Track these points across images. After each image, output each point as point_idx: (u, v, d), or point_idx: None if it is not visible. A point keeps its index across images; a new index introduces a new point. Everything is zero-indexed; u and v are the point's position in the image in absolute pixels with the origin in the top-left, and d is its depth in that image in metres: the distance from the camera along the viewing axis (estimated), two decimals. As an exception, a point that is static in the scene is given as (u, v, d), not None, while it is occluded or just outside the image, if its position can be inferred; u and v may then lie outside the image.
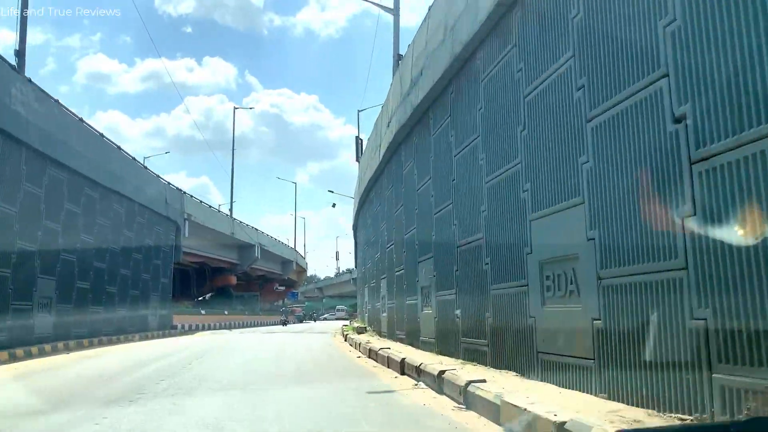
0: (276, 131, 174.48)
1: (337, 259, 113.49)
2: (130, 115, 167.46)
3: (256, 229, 46.49)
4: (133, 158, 24.45)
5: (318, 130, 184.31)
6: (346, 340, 18.72)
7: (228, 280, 46.55)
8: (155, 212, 25.62)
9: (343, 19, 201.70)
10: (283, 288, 60.71)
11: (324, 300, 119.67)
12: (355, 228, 31.02)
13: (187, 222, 30.41)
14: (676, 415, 3.81)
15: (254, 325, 43.25)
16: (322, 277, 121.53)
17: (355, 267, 36.42)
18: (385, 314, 17.26)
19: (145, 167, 26.20)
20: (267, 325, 47.12)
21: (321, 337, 23.59)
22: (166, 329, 27.06)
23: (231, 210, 42.76)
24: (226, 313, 37.97)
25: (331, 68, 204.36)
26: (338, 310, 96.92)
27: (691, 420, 3.64)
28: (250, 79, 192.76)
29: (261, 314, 49.70)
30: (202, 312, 33.16)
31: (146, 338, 22.44)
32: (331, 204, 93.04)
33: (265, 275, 57.95)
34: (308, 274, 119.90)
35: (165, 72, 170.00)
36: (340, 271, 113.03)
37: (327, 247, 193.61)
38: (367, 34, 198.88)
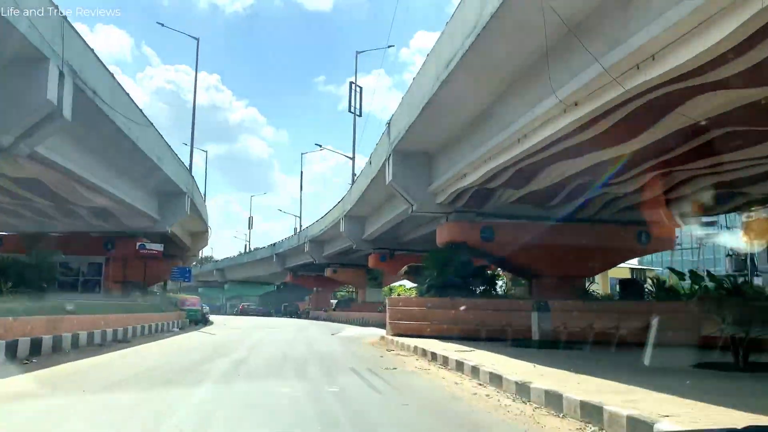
0: (172, 109, 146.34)
1: (250, 227, 79.42)
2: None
3: (67, 22, 13.09)
4: None
5: (217, 111, 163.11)
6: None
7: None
8: None
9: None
10: (156, 250, 26.90)
11: (226, 286, 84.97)
12: None
13: None
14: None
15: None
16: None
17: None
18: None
19: None
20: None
21: None
22: None
23: None
24: None
25: (236, 47, 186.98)
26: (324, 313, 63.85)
27: None
28: (147, 51, 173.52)
29: (98, 310, 16.71)
30: None
31: None
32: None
33: (111, 211, 24.13)
34: (201, 256, 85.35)
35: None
36: (249, 248, 79.47)
37: (221, 236, 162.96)
38: (277, 12, 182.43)
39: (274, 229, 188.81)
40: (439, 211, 19.63)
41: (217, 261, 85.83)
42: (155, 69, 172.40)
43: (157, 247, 26.34)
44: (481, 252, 19.24)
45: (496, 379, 8.39)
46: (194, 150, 36.89)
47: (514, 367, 9.27)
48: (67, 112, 13.24)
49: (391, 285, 68.88)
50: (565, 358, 11.29)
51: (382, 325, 33.60)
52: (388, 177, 19.49)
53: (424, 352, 12.86)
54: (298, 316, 60.16)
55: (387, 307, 19.08)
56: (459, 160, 16.16)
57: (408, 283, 54.11)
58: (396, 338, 17.01)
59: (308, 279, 61.59)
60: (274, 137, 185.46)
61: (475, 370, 9.32)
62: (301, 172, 63.36)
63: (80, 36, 14.31)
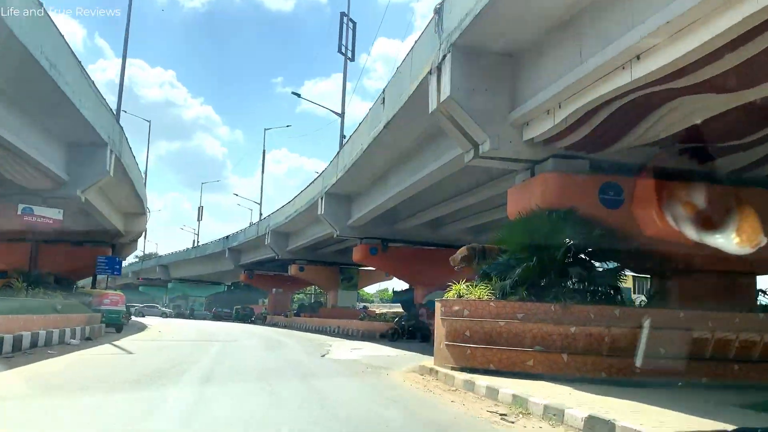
0: (124, 104, 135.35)
1: (199, 219, 69.50)
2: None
3: None
4: None
5: (171, 108, 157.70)
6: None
7: None
8: None
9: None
10: (52, 218, 17.93)
11: (170, 285, 74.91)
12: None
13: None
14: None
15: None
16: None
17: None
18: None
19: None
20: None
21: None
22: None
23: None
24: None
25: (193, 44, 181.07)
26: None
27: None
28: (101, 43, 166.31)
29: None
30: None
31: None
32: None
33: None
34: (144, 251, 75.27)
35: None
36: (197, 242, 69.48)
37: (170, 233, 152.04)
38: (236, 10, 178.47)
39: (227, 231, 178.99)
40: (525, 156, 11.64)
41: (161, 257, 75.60)
42: (108, 61, 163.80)
43: (53, 214, 17.37)
44: (599, 225, 11.33)
45: None
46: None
47: None
48: None
49: (366, 287, 60.75)
50: None
51: (372, 338, 25.48)
52: (441, 95, 11.37)
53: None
54: (252, 322, 51.35)
55: (439, 317, 10.91)
56: (617, 35, 8.23)
57: (391, 284, 46.70)
58: (469, 377, 8.97)
59: (266, 279, 52.88)
60: (228, 137, 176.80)
61: None
62: (264, 151, 54.35)
63: None
